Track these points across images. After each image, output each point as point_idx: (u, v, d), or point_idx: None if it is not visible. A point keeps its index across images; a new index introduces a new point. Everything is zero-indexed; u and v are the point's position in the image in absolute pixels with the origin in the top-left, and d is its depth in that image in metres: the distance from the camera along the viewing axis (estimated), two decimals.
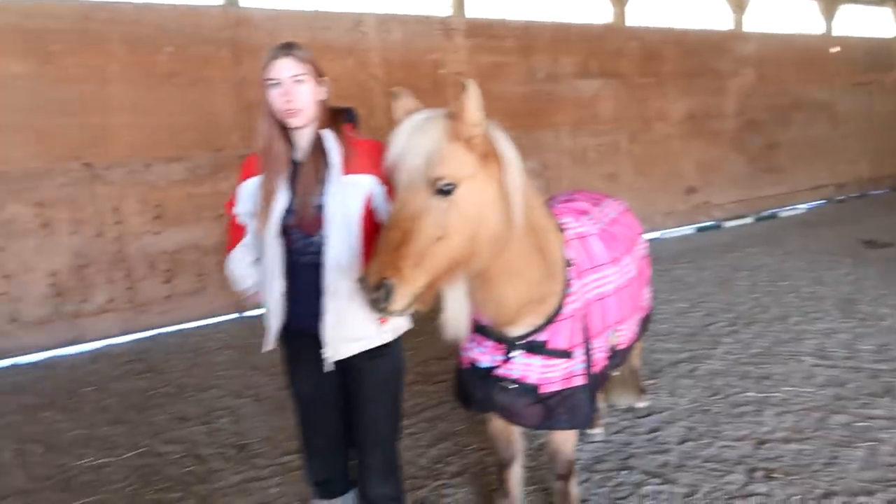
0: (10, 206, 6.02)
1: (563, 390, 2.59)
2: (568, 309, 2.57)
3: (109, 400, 5.00)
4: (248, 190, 2.44)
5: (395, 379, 2.55)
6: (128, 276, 6.64)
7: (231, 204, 2.55)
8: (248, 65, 7.01)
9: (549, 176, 9.52)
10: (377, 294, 1.96)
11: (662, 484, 3.41)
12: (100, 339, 6.49)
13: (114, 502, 3.54)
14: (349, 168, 2.32)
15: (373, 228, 2.35)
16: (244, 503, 3.47)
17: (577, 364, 2.61)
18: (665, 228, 10.82)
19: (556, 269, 2.53)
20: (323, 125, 2.37)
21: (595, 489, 3.39)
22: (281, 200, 2.35)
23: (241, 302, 2.40)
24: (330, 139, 2.35)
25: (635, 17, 10.62)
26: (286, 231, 2.39)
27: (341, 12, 7.68)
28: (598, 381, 2.79)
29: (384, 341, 2.46)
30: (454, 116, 2.11)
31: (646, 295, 3.57)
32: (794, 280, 7.25)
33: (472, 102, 2.08)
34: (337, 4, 7.91)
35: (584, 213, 3.15)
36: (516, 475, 3.01)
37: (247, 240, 2.54)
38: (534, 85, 9.31)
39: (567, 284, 2.57)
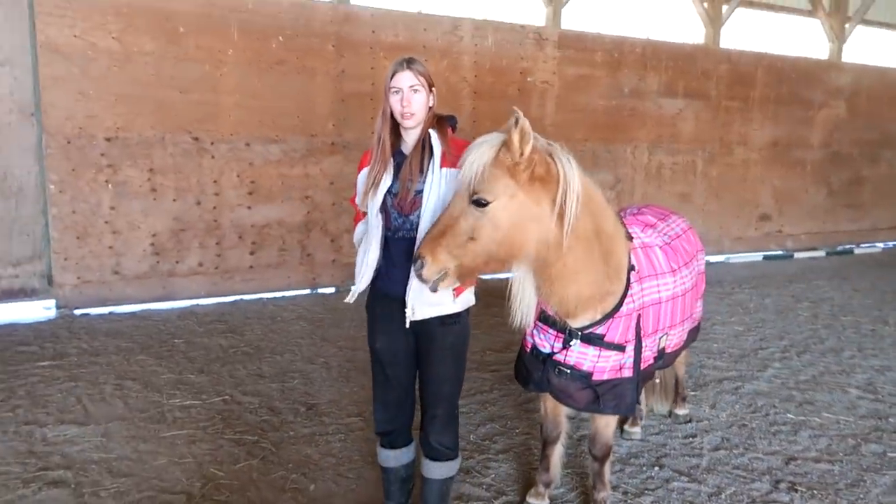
0: (125, 170, 6.71)
1: (613, 379, 2.93)
2: (625, 308, 2.91)
3: (195, 352, 5.57)
4: (362, 177, 2.91)
5: (461, 345, 2.90)
6: (219, 243, 7.27)
7: (353, 198, 3.04)
8: (348, 59, 7.53)
9: (620, 189, 9.70)
10: (416, 264, 2.52)
11: (690, 482, 3.66)
12: (188, 299, 7.14)
13: (200, 437, 4.05)
14: (446, 162, 2.73)
15: None
16: (311, 452, 3.92)
17: (627, 357, 2.95)
18: (733, 253, 10.81)
19: (618, 272, 2.87)
20: (429, 126, 2.80)
21: (627, 479, 3.67)
22: (385, 184, 2.79)
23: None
24: (434, 138, 2.77)
25: (729, 40, 10.63)
26: (386, 210, 2.82)
27: (441, 16, 8.11)
28: (644, 377, 3.12)
29: (455, 310, 2.82)
30: (505, 144, 2.48)
31: (698, 308, 3.84)
32: (857, 316, 7.24)
33: (518, 137, 2.43)
34: (437, 8, 8.34)
35: (650, 225, 3.52)
36: (558, 453, 3.36)
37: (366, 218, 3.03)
38: (618, 99, 9.51)
39: (627, 286, 2.92)
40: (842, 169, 11.81)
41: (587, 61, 9.20)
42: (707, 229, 10.51)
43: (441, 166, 2.73)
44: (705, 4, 10.42)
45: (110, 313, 6.66)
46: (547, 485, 3.38)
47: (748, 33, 11.12)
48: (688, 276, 3.44)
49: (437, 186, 2.72)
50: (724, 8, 10.51)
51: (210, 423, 4.24)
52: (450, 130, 2.87)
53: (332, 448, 3.96)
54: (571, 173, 2.53)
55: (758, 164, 10.92)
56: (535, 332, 3.06)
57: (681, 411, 4.49)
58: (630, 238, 3.06)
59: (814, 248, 11.50)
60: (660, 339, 3.18)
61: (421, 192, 2.75)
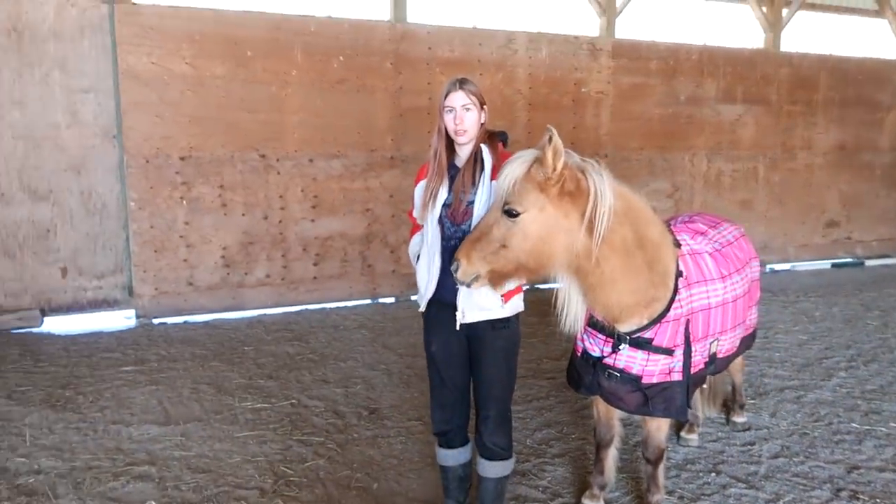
0: (198, 187, 7.12)
1: (662, 383, 3.01)
2: (673, 313, 2.99)
3: (264, 359, 5.85)
4: (419, 190, 3.10)
5: (511, 348, 3.03)
6: (284, 255, 7.60)
7: (411, 211, 3.23)
8: (406, 75, 7.78)
9: (678, 198, 9.63)
10: (453, 265, 2.73)
11: (748, 489, 3.67)
12: (256, 309, 7.49)
13: (270, 437, 4.28)
14: (496, 175, 2.86)
15: None
16: (373, 453, 4.10)
17: (676, 361, 3.02)
18: (798, 260, 10.54)
19: (664, 279, 2.96)
20: (481, 141, 2.98)
21: (683, 484, 3.71)
22: (442, 197, 2.98)
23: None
24: (485, 152, 2.96)
25: (790, 44, 10.44)
26: (440, 220, 3.00)
27: (495, 30, 8.28)
28: (694, 381, 3.17)
29: (505, 315, 2.96)
30: (538, 160, 2.64)
31: (752, 315, 3.86)
32: None
33: (551, 153, 2.58)
34: (492, 22, 8.51)
35: (701, 233, 3.58)
36: (612, 456, 3.44)
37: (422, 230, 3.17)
38: (674, 107, 9.46)
39: (675, 292, 3.00)
40: None
41: (642, 70, 9.20)
42: (770, 236, 10.30)
43: (491, 179, 2.90)
44: (764, 8, 10.26)
45: (185, 322, 7.05)
46: (602, 487, 3.46)
47: (811, 36, 10.88)
48: (739, 283, 3.47)
49: (486, 197, 2.89)
50: (785, 11, 10.32)
51: (279, 424, 4.48)
52: (500, 145, 3.03)
53: (394, 450, 4.14)
54: (603, 188, 2.65)
55: (823, 168, 10.64)
56: (585, 336, 3.17)
57: (739, 419, 4.49)
58: (678, 245, 3.14)
59: (886, 256, 11.09)
60: (710, 344, 3.23)
61: (472, 202, 2.93)
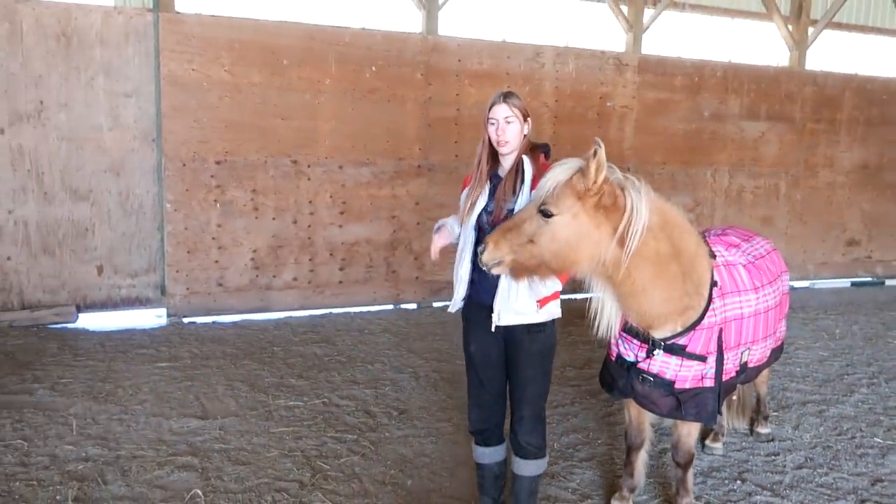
0: (232, 190, 7.31)
1: (694, 388, 3.13)
2: (706, 322, 3.10)
3: (293, 359, 6.01)
4: (463, 197, 3.24)
5: (547, 351, 3.15)
6: (311, 259, 7.77)
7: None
8: (435, 86, 7.95)
9: (699, 212, 9.71)
10: (480, 247, 2.86)
11: (773, 497, 3.76)
12: (283, 311, 7.65)
13: (305, 434, 4.43)
14: (535, 186, 2.99)
15: None
16: (405, 452, 4.23)
17: (708, 368, 3.14)
18: (818, 278, 10.57)
19: (698, 289, 3.08)
20: (524, 152, 3.12)
21: (709, 490, 3.81)
22: (481, 204, 3.12)
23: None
24: (526, 163, 3.09)
25: (816, 62, 10.52)
26: (481, 226, 3.14)
27: (524, 44, 8.45)
28: (726, 389, 3.29)
29: (540, 320, 3.07)
30: (581, 170, 2.77)
31: (781, 328, 3.97)
32: None
33: (594, 167, 2.72)
34: (520, 36, 8.68)
35: (734, 245, 3.71)
36: (642, 459, 3.56)
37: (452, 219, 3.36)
38: (698, 123, 9.56)
39: (710, 301, 3.11)
40: None
41: (667, 85, 9.32)
42: (790, 253, 10.34)
43: (531, 189, 3.01)
44: (790, 27, 10.36)
45: (214, 322, 7.22)
46: (631, 490, 3.57)
47: (836, 55, 10.95)
48: (771, 295, 3.59)
49: (525, 205, 3.00)
50: (811, 30, 10.41)
51: (313, 422, 4.62)
52: (542, 157, 3.16)
53: (426, 449, 4.26)
54: (640, 207, 2.78)
55: (844, 187, 10.68)
56: (619, 341, 3.29)
57: (763, 430, 4.58)
58: (713, 256, 3.26)
59: None
60: (742, 353, 3.35)
61: (512, 210, 3.04)
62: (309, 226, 7.68)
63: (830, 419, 4.93)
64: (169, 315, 7.24)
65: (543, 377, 3.17)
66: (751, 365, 3.48)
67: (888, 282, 10.81)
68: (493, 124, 3.08)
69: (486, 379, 3.22)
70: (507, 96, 3.09)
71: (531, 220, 2.80)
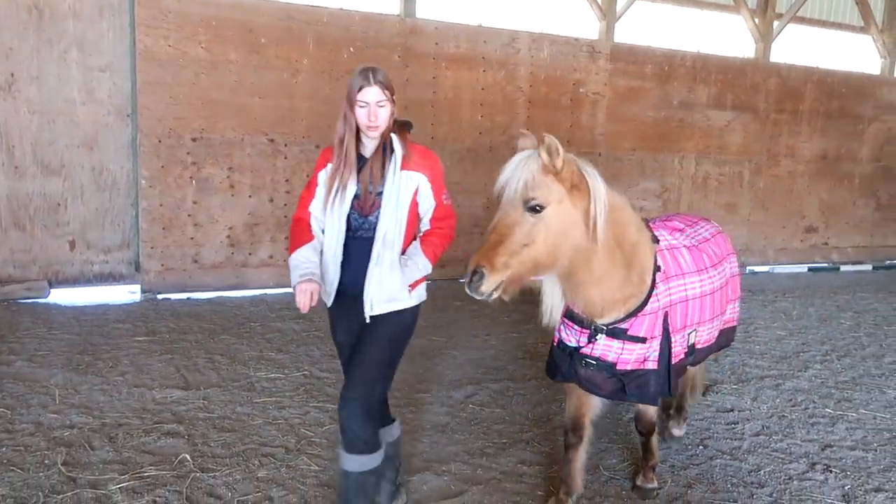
0: (208, 168, 7.32)
1: (637, 370, 3.13)
2: (649, 307, 3.11)
3: (272, 334, 6.09)
4: (323, 177, 2.97)
5: (400, 333, 2.98)
6: (287, 238, 7.80)
7: (304, 194, 3.06)
8: (412, 68, 8.04)
9: (666, 198, 10.00)
10: (473, 277, 2.61)
11: (732, 460, 4.02)
12: (258, 288, 7.71)
13: (288, 404, 4.54)
14: (405, 165, 2.87)
15: (415, 214, 2.98)
16: None
17: (651, 351, 3.14)
18: (777, 263, 10.99)
19: (641, 276, 3.09)
20: (390, 131, 2.91)
21: (673, 454, 4.04)
22: (352, 190, 2.89)
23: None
24: (396, 142, 2.90)
25: (780, 55, 10.85)
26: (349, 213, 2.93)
27: (500, 28, 8.57)
28: (676, 371, 3.29)
29: (410, 305, 2.97)
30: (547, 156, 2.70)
31: (732, 311, 3.88)
32: None
33: (546, 151, 2.66)
34: (497, 21, 8.79)
35: (678, 230, 3.68)
36: (580, 459, 3.41)
37: (314, 242, 2.99)
38: (667, 111, 9.82)
39: (652, 286, 3.12)
40: (891, 183, 11.86)
41: (638, 73, 9.55)
42: (752, 239, 10.72)
43: (402, 168, 2.87)
44: (756, 20, 10.66)
45: (188, 299, 7.25)
46: (568, 493, 3.41)
47: (799, 48, 11.30)
48: (716, 277, 3.56)
49: (396, 188, 2.86)
50: (776, 24, 10.73)
51: (295, 392, 4.74)
52: (407, 135, 2.97)
53: (405, 418, 4.41)
54: (598, 184, 2.78)
55: (804, 176, 11.08)
56: (562, 327, 3.27)
57: (677, 431, 4.29)
58: (656, 241, 3.27)
59: (860, 262, 11.59)
60: (689, 335, 3.35)
61: (381, 193, 2.87)
62: (285, 204, 7.72)
63: (786, 392, 5.22)
64: (143, 291, 7.24)
65: (386, 364, 2.97)
66: (699, 346, 3.47)
67: (843, 268, 11.27)
68: (362, 107, 2.81)
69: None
70: (375, 75, 2.81)
71: (520, 223, 2.67)
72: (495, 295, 2.68)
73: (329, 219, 2.95)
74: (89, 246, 7.17)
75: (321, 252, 2.99)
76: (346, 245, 2.93)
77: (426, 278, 3.04)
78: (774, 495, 3.66)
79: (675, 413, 4.30)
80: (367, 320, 2.89)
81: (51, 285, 7.01)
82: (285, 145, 7.61)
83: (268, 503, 3.37)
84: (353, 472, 2.92)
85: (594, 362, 3.12)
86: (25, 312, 6.33)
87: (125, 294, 7.24)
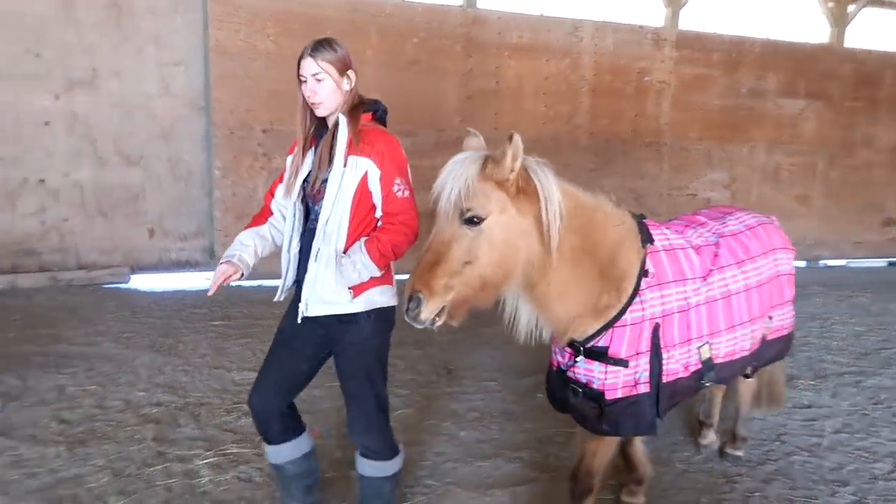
0: (277, 159, 7.49)
1: (628, 397, 2.64)
2: (629, 317, 2.62)
3: None
4: (289, 161, 2.80)
5: (361, 346, 2.70)
6: None
7: (274, 185, 2.89)
8: (475, 58, 8.05)
9: (735, 189, 9.74)
10: (410, 304, 2.31)
11: (811, 457, 3.90)
12: None
13: None
14: (352, 150, 2.56)
15: (366, 206, 2.64)
16: (456, 407, 4.43)
17: (640, 372, 2.64)
18: (853, 257, 10.57)
19: (620, 283, 2.62)
20: (346, 111, 2.63)
21: (749, 450, 3.94)
22: (302, 174, 2.68)
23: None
24: (343, 123, 2.60)
25: (855, 40, 10.41)
26: (304, 199, 2.73)
27: (563, 17, 8.50)
28: (678, 391, 2.81)
29: (354, 311, 2.62)
30: (494, 160, 2.35)
31: (782, 316, 3.33)
32: None
33: (512, 154, 2.32)
34: (559, 10, 8.71)
35: (699, 224, 3.15)
36: None
37: (263, 227, 2.86)
38: (735, 99, 9.56)
39: (636, 294, 2.63)
40: None
41: (704, 61, 9.32)
42: (826, 232, 10.35)
43: (347, 154, 2.56)
44: (830, 4, 10.24)
45: (259, 286, 7.45)
46: None
47: (876, 33, 10.81)
48: (748, 274, 3.04)
49: (338, 174, 2.57)
50: (851, 7, 10.29)
51: None
52: (368, 116, 2.70)
53: (475, 405, 4.46)
54: (550, 188, 2.42)
55: (883, 166, 10.62)
56: (555, 347, 2.87)
57: (734, 452, 3.86)
58: (651, 241, 2.75)
59: None
60: (700, 348, 2.82)
61: (326, 181, 2.59)
62: None
63: (867, 389, 5.04)
64: None
65: (364, 375, 2.74)
66: (720, 360, 2.90)
67: None
68: (303, 81, 2.62)
69: (278, 358, 2.84)
70: (314, 49, 2.60)
71: (457, 238, 2.33)
72: (439, 321, 2.37)
73: (287, 204, 2.76)
74: (167, 234, 7.45)
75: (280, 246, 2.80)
76: (303, 235, 2.73)
77: (377, 282, 2.64)
78: (859, 494, 3.55)
79: (730, 441, 3.88)
80: (299, 320, 2.66)
81: (132, 271, 7.33)
82: None
83: (345, 482, 3.45)
84: (367, 476, 2.86)
85: (581, 390, 2.70)
86: (109, 297, 6.64)
87: (201, 280, 7.51)
